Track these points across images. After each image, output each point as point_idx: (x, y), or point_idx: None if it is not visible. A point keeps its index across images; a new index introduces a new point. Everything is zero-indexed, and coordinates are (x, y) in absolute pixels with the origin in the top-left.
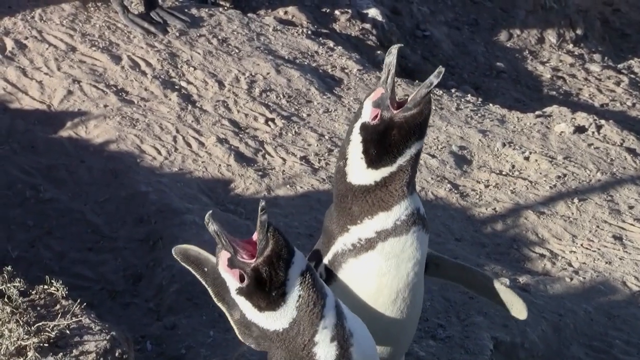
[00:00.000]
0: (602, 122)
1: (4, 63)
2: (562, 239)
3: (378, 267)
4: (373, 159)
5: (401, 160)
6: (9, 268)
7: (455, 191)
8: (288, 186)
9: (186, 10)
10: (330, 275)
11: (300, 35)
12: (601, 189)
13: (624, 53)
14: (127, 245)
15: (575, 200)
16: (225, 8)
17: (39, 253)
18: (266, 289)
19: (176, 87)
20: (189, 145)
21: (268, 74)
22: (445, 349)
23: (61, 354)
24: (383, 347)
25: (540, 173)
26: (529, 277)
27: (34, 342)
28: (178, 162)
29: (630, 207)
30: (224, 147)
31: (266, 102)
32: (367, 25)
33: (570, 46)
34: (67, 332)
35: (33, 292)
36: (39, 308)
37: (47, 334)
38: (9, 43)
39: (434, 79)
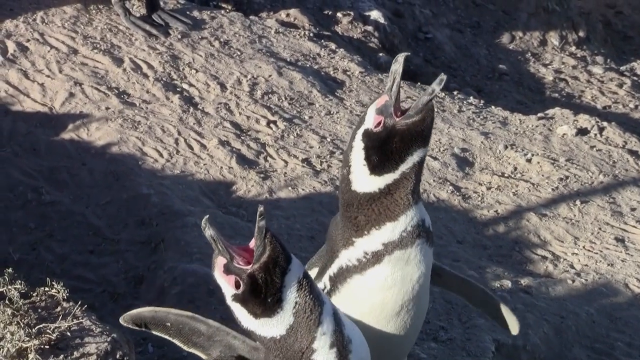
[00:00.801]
0: (605, 124)
1: (6, 65)
2: (564, 241)
3: (383, 281)
4: (375, 166)
5: (404, 167)
6: (10, 270)
7: (457, 193)
8: (290, 188)
9: (188, 12)
10: (334, 287)
11: (302, 38)
12: (603, 191)
13: (627, 55)
14: (129, 247)
15: (578, 203)
16: (227, 10)
17: (41, 255)
18: (262, 295)
19: (178, 89)
20: (190, 147)
21: (270, 76)
22: (447, 351)
23: (62, 356)
24: (385, 353)
25: (543, 175)
26: (531, 279)
27: (34, 344)
28: (180, 165)
29: (633, 209)
30: (226, 149)
31: (268, 105)
32: (369, 28)
33: (573, 48)
34: (68, 334)
35: (34, 294)
36: (39, 310)
37: (48, 336)
38: (11, 45)
39: (436, 86)
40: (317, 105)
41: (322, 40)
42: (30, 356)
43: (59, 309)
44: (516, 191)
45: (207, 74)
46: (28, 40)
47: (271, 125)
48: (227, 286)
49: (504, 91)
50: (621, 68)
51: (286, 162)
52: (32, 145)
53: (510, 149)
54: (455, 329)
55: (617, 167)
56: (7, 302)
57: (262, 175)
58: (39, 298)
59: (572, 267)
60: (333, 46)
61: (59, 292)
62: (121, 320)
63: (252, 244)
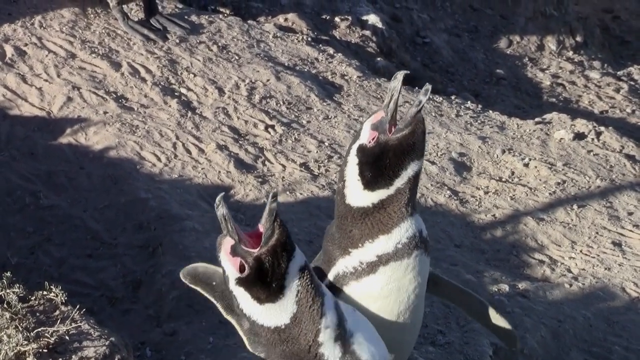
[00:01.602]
0: (602, 128)
1: (4, 70)
2: (561, 245)
3: (379, 290)
4: (369, 181)
5: (399, 183)
6: (8, 274)
7: (455, 198)
8: (288, 193)
9: (186, 17)
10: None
11: (300, 42)
12: (600, 195)
13: (624, 60)
14: (127, 251)
15: (575, 207)
16: (225, 15)
17: (39, 259)
18: (267, 279)
19: (176, 93)
20: (188, 151)
21: (268, 80)
22: (445, 355)
23: (60, 359)
24: None
25: (540, 179)
26: (529, 283)
27: (33, 348)
28: (178, 169)
29: (630, 214)
30: (224, 153)
31: (266, 109)
32: (367, 32)
33: (570, 53)
34: (67, 337)
35: (32, 298)
36: (38, 314)
37: (46, 339)
38: (9, 50)
39: (422, 97)
40: (315, 110)
41: (320, 45)
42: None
43: (57, 312)
44: (514, 195)
45: (205, 78)
46: (26, 45)
47: (269, 129)
48: (231, 269)
49: (502, 96)
50: (618, 73)
51: (284, 166)
52: (30, 150)
53: (508, 154)
54: (453, 332)
55: (614, 171)
56: (5, 305)
57: (260, 180)
58: (37, 302)
59: (569, 271)
60: (331, 50)
61: (57, 295)
62: (181, 275)
63: (260, 227)
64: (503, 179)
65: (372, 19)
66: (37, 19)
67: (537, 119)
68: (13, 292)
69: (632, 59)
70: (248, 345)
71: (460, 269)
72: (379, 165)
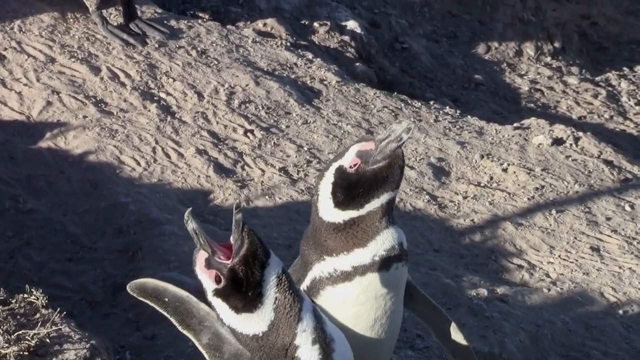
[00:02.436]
0: (580, 134)
1: None
2: (539, 250)
3: (355, 297)
4: (340, 202)
5: (370, 208)
6: None
7: (434, 202)
8: (267, 197)
9: (165, 21)
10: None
11: (279, 47)
12: (579, 200)
13: (602, 66)
14: (107, 255)
15: (553, 212)
16: (204, 20)
17: (19, 263)
18: (243, 289)
19: (155, 98)
20: (168, 156)
21: (247, 85)
22: (424, 359)
23: None
24: None
25: (519, 185)
26: (507, 287)
27: (14, 351)
28: (157, 173)
29: (608, 219)
30: (203, 158)
31: (245, 114)
32: (346, 38)
33: (548, 59)
34: (47, 340)
35: (13, 301)
36: (18, 317)
37: (27, 342)
38: None
39: (404, 134)
40: (294, 115)
41: (299, 50)
42: None
43: (38, 315)
44: (492, 200)
45: (184, 83)
46: (5, 49)
47: (248, 134)
48: (208, 281)
49: (480, 101)
50: (596, 79)
51: (263, 171)
52: (10, 154)
53: (487, 159)
54: (431, 337)
55: (592, 176)
56: None
57: (239, 184)
58: (18, 305)
59: (547, 275)
60: (310, 56)
61: (38, 299)
62: (128, 288)
63: (232, 239)
64: (482, 184)
65: (351, 24)
66: (17, 23)
67: (515, 124)
68: None
69: (609, 65)
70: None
71: (439, 274)
72: (351, 191)
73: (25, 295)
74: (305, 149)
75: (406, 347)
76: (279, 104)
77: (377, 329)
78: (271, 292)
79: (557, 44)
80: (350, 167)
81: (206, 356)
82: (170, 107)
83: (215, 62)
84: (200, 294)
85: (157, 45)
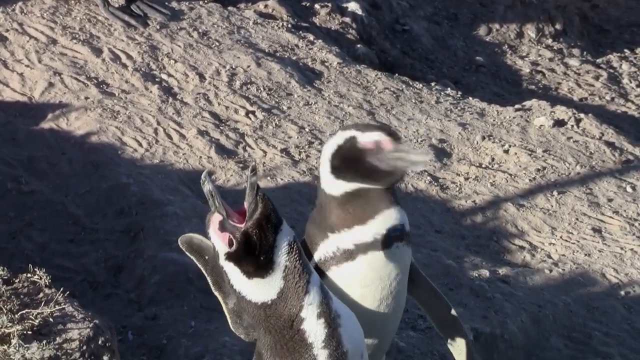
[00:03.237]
0: (582, 115)
1: None
2: (541, 232)
3: (360, 278)
4: (335, 167)
5: (358, 187)
6: None
7: (435, 184)
8: (269, 178)
9: (166, 3)
10: None
11: (280, 29)
12: (580, 182)
13: (603, 48)
14: (108, 236)
15: (555, 193)
16: (206, 1)
17: (20, 245)
18: (255, 253)
19: (157, 79)
20: (169, 137)
21: (248, 67)
22: (426, 340)
23: (45, 341)
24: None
25: (520, 166)
26: (509, 268)
27: (17, 330)
28: (159, 154)
29: (609, 200)
30: (205, 139)
31: (247, 95)
32: (347, 19)
33: (549, 41)
34: (51, 320)
35: (16, 281)
36: (22, 296)
37: (30, 321)
38: None
39: (412, 167)
40: (295, 96)
41: (300, 32)
42: (13, 342)
43: (41, 295)
44: (494, 182)
45: (185, 64)
46: (7, 31)
47: (250, 115)
48: (220, 244)
49: (481, 83)
50: (597, 61)
51: (265, 152)
52: (12, 135)
53: (488, 140)
54: None
55: (593, 158)
56: None
57: (241, 165)
58: (21, 284)
59: (549, 257)
60: (311, 37)
61: (41, 278)
62: (179, 241)
63: (245, 204)
64: (483, 165)
65: (352, 6)
66: (18, 5)
67: (516, 106)
68: None
69: (610, 47)
70: (231, 324)
71: (441, 255)
72: (349, 162)
73: (29, 275)
74: (307, 130)
75: (408, 328)
76: (280, 85)
77: (382, 309)
78: (282, 259)
79: (558, 26)
80: (362, 146)
81: (229, 321)
82: (172, 88)
83: (217, 44)
84: None
85: (158, 27)
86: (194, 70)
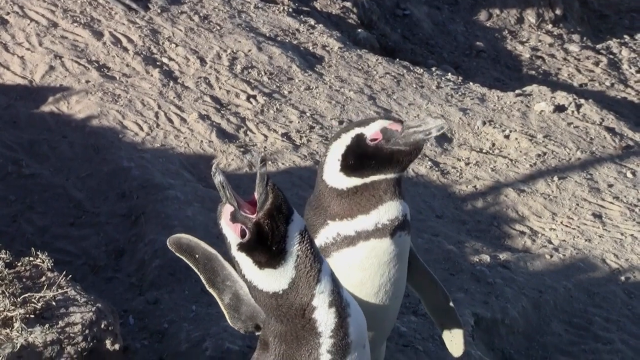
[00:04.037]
0: (582, 101)
1: None
2: (542, 217)
3: (360, 263)
4: (347, 167)
5: (373, 179)
6: None
7: (436, 169)
8: (270, 162)
9: None
10: None
11: (281, 13)
12: (581, 167)
13: (603, 34)
14: (109, 220)
15: (555, 179)
16: None
17: (21, 228)
18: (267, 243)
19: (158, 63)
20: (170, 121)
21: (249, 51)
22: (426, 325)
23: (47, 325)
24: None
25: (521, 151)
26: (509, 254)
27: (20, 314)
28: (160, 138)
29: (610, 186)
30: (206, 123)
31: (248, 79)
32: (348, 4)
33: (550, 26)
34: (53, 303)
35: (19, 264)
36: (24, 280)
37: (33, 305)
38: None
39: (434, 131)
40: (296, 80)
41: (301, 16)
42: (16, 325)
43: (43, 278)
44: (494, 167)
45: (186, 48)
46: (8, 14)
47: (251, 99)
48: (232, 235)
49: (482, 68)
50: (597, 46)
51: (266, 136)
52: (12, 118)
53: (489, 125)
54: None
55: (594, 143)
56: None
57: (242, 149)
58: (23, 268)
59: (550, 242)
60: (312, 22)
61: (43, 262)
62: (167, 243)
63: (256, 195)
64: (484, 151)
65: None
66: None
67: (517, 91)
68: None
69: (611, 33)
70: (229, 319)
71: (442, 240)
72: (362, 161)
73: (31, 259)
74: (308, 114)
75: (409, 313)
76: (281, 69)
77: (382, 295)
78: (294, 249)
79: (558, 12)
80: (371, 139)
81: (227, 316)
82: (173, 72)
83: (218, 28)
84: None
85: (159, 11)
86: (195, 54)
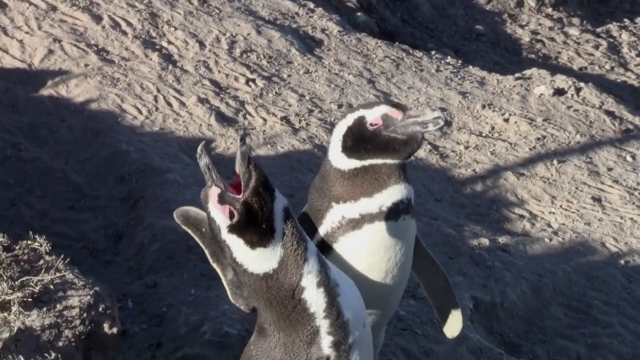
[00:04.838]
0: (582, 84)
1: None
2: (541, 200)
3: (367, 247)
4: (346, 148)
5: (371, 163)
6: None
7: (435, 152)
8: (269, 146)
9: None
10: (325, 249)
11: None
12: (580, 150)
13: (602, 17)
14: (108, 204)
15: (555, 162)
16: None
17: (20, 212)
18: (257, 220)
19: (157, 47)
20: (169, 104)
21: (249, 34)
22: (425, 308)
23: (45, 308)
24: (370, 315)
25: (520, 135)
26: (509, 237)
27: (18, 297)
28: (159, 122)
29: (609, 169)
30: (205, 106)
31: (247, 63)
32: None
33: (549, 10)
34: (51, 287)
35: (17, 248)
36: (22, 263)
37: (31, 288)
38: None
39: (430, 125)
40: (295, 64)
41: None
42: (14, 309)
43: (41, 262)
44: (494, 150)
45: (185, 31)
46: None
47: (250, 83)
48: (221, 217)
49: (481, 52)
50: (597, 30)
51: (265, 120)
52: (11, 102)
53: (488, 109)
54: None
55: (593, 127)
56: None
57: (240, 134)
58: (21, 251)
59: (549, 225)
60: (311, 5)
61: (41, 245)
62: (174, 215)
63: (237, 174)
64: (483, 134)
65: None
66: None
67: (517, 75)
68: None
69: (610, 16)
70: (230, 296)
71: (441, 223)
72: (360, 143)
73: (29, 242)
74: (307, 98)
75: (408, 297)
76: (280, 53)
77: (389, 280)
78: (280, 226)
79: None
80: (371, 124)
81: (228, 292)
82: (172, 55)
83: (217, 11)
84: None
85: None
86: (194, 37)
